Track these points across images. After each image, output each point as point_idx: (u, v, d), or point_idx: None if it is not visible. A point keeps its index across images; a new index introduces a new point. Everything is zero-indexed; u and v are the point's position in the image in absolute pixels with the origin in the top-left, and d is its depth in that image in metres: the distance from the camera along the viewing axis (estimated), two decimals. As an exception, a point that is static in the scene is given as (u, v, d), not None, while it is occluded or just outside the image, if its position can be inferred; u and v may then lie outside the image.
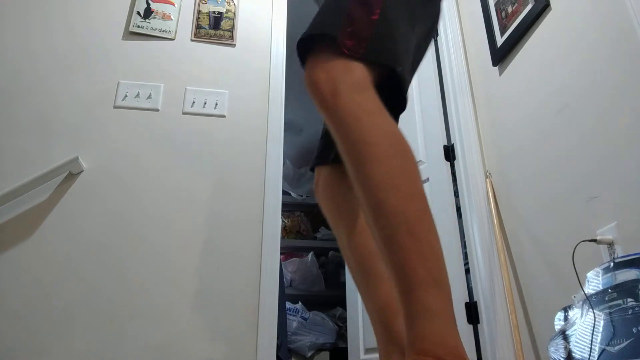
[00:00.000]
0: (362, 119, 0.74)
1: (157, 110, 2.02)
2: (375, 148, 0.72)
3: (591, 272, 1.22)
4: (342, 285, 2.96)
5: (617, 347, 1.04)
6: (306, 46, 0.85)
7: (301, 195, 3.76)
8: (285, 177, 3.48)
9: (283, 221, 3.50)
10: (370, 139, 0.72)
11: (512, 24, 1.96)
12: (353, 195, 1.10)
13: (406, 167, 0.71)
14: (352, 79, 0.78)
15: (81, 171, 1.85)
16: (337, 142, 0.78)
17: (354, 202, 1.10)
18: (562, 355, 1.21)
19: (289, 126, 2.14)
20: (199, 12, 2.27)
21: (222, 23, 2.26)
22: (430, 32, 1.11)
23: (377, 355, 2.37)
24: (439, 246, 0.66)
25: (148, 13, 2.21)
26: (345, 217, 1.11)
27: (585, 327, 1.16)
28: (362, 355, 2.41)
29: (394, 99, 0.86)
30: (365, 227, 1.08)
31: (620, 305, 1.08)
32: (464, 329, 1.93)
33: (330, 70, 0.79)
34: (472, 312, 1.95)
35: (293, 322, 2.99)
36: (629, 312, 1.05)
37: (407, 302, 0.61)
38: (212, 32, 2.23)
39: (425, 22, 1.03)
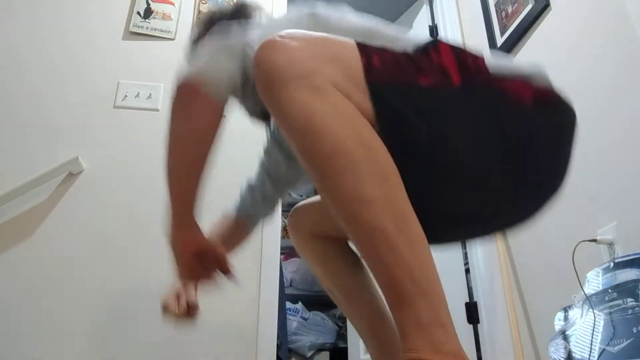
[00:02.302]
0: (314, 119, 0.60)
1: (157, 110, 2.02)
2: (337, 157, 0.59)
3: (591, 272, 1.22)
4: (342, 285, 2.96)
5: (617, 347, 1.04)
6: None
7: (301, 195, 3.76)
8: (285, 177, 3.48)
9: (283, 221, 3.50)
10: (329, 147, 0.59)
11: (512, 24, 1.96)
12: (317, 228, 1.14)
13: (376, 174, 0.60)
14: (325, 75, 0.62)
15: (81, 171, 1.85)
16: (291, 146, 0.64)
17: (319, 237, 1.13)
18: (562, 355, 1.21)
19: None
20: (199, 12, 2.27)
21: (222, 23, 2.26)
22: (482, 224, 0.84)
23: (377, 355, 2.37)
24: (425, 252, 0.60)
25: (148, 13, 2.21)
26: (317, 254, 1.14)
27: (585, 327, 1.16)
28: (362, 355, 2.41)
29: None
30: (334, 256, 1.11)
31: (620, 305, 1.08)
32: (464, 329, 1.93)
33: (301, 52, 0.63)
34: (472, 312, 1.95)
35: (293, 322, 2.99)
36: (629, 312, 1.05)
37: (398, 316, 0.58)
38: (212, 32, 2.23)
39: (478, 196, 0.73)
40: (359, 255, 1.10)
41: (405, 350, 0.57)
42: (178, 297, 1.09)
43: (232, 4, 1.17)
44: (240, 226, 1.27)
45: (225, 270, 1.09)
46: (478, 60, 0.70)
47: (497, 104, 0.68)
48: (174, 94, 0.88)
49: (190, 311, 1.07)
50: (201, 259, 1.04)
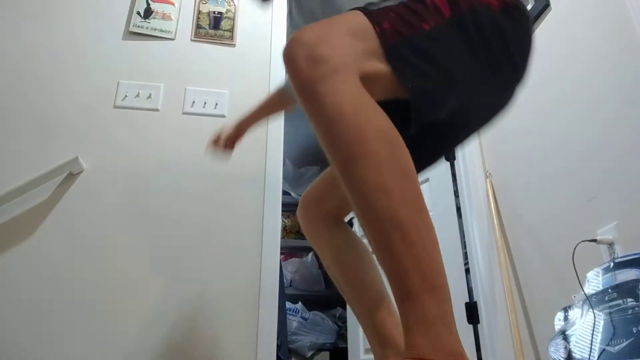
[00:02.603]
0: (346, 111, 0.64)
1: (157, 110, 2.02)
2: (362, 146, 0.63)
3: (591, 272, 1.22)
4: (342, 285, 2.96)
5: (617, 347, 1.04)
6: None
7: (301, 195, 3.76)
8: (285, 177, 3.48)
9: (283, 221, 3.50)
10: (356, 136, 0.64)
11: (512, 24, 1.96)
12: (330, 217, 1.15)
13: (397, 167, 0.64)
14: (342, 60, 0.67)
15: (81, 171, 1.85)
16: (318, 136, 0.68)
17: (332, 224, 1.13)
18: (562, 355, 1.21)
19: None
20: (199, 12, 2.27)
21: (222, 23, 2.26)
22: (478, 116, 0.96)
23: (377, 355, 2.37)
24: (435, 249, 0.62)
25: (148, 13, 2.21)
26: (325, 241, 1.13)
27: (585, 327, 1.16)
28: (362, 355, 2.41)
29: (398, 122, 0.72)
30: (347, 245, 1.11)
31: (620, 305, 1.08)
32: (464, 329, 1.93)
33: (319, 45, 0.68)
34: (472, 312, 1.95)
35: (293, 322, 2.99)
36: (629, 312, 1.05)
37: (404, 309, 0.59)
38: (212, 32, 2.23)
39: (474, 98, 0.87)
40: (369, 249, 1.10)
41: (407, 347, 0.57)
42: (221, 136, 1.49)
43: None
44: (283, 97, 1.41)
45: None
46: None
47: (476, 18, 0.80)
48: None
49: (229, 144, 1.51)
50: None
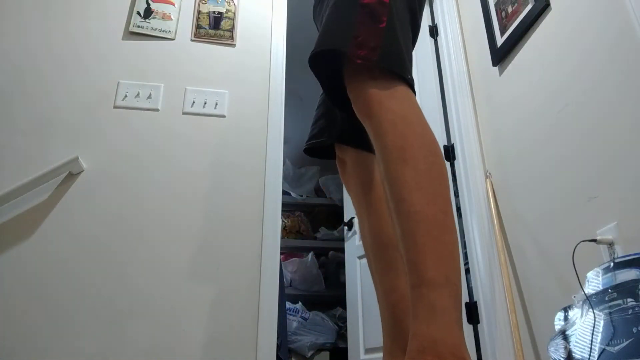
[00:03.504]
0: (397, 124, 0.79)
1: (157, 110, 2.02)
2: (406, 151, 0.76)
3: (591, 272, 1.22)
4: (342, 285, 2.96)
5: (617, 347, 1.04)
6: (317, 61, 0.91)
7: (301, 195, 3.77)
8: (285, 177, 3.48)
9: (283, 221, 3.50)
10: (402, 143, 0.77)
11: (512, 24, 1.96)
12: (380, 184, 1.14)
13: (433, 170, 0.75)
14: (387, 89, 0.83)
15: (81, 171, 1.85)
16: (375, 146, 0.83)
17: (381, 190, 1.14)
18: (562, 355, 1.21)
19: (289, 93, 2.15)
20: (199, 12, 2.27)
21: (222, 23, 2.26)
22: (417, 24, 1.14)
23: (377, 355, 2.37)
24: (455, 248, 0.68)
25: (148, 13, 2.21)
26: (370, 203, 1.15)
27: (585, 327, 1.16)
28: (362, 355, 2.41)
29: None
30: (388, 217, 1.09)
31: (620, 305, 1.08)
32: (464, 329, 1.92)
33: (369, 88, 0.84)
34: (472, 312, 1.95)
35: (293, 322, 2.99)
36: (629, 312, 1.05)
37: (415, 297, 0.63)
38: (212, 32, 2.23)
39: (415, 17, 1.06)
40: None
41: (412, 334, 0.58)
42: None
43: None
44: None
45: None
46: None
47: None
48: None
49: None
50: None
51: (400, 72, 0.85)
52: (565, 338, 1.23)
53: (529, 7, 1.85)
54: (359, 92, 0.85)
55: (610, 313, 1.10)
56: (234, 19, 2.28)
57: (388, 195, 0.78)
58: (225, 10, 2.29)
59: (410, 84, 0.88)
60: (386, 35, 0.87)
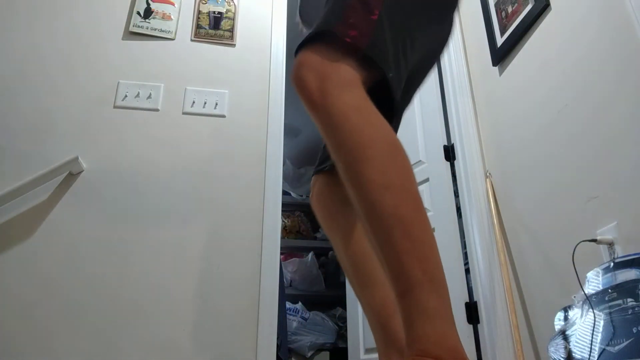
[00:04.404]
0: (351, 118, 0.71)
1: (157, 110, 2.02)
2: (366, 148, 0.69)
3: (591, 272, 1.22)
4: (342, 285, 2.96)
5: (617, 347, 1.04)
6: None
7: (301, 195, 3.76)
8: (285, 177, 3.48)
9: (283, 221, 3.50)
10: (360, 139, 0.69)
11: (512, 24, 1.96)
12: (347, 203, 1.12)
13: (398, 167, 0.69)
14: (342, 76, 0.75)
15: (81, 171, 1.85)
16: (327, 142, 0.76)
17: (349, 210, 1.10)
18: (562, 355, 1.21)
19: (286, 129, 2.15)
20: (199, 12, 2.27)
21: (222, 23, 2.26)
22: (433, 55, 1.06)
23: (377, 355, 2.37)
24: (434, 246, 0.65)
25: (148, 13, 2.21)
26: (339, 225, 1.11)
27: (585, 327, 1.16)
28: (362, 355, 2.41)
29: (381, 109, 0.79)
30: (361, 234, 1.09)
31: (620, 305, 1.08)
32: (464, 329, 1.93)
33: (320, 67, 0.76)
34: (472, 312, 1.95)
35: (293, 322, 2.99)
36: (629, 312, 1.05)
37: (405, 304, 0.60)
38: (212, 32, 2.23)
39: (429, 43, 0.98)
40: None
41: (409, 341, 0.57)
42: None
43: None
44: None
45: None
46: None
47: None
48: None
49: None
50: None
51: (383, 66, 0.79)
52: (565, 338, 1.23)
53: (529, 7, 1.85)
54: (315, 71, 0.75)
55: (610, 313, 1.10)
56: (234, 19, 2.28)
57: (353, 199, 0.70)
58: (225, 10, 2.29)
59: (390, 85, 0.80)
60: (377, 27, 0.81)
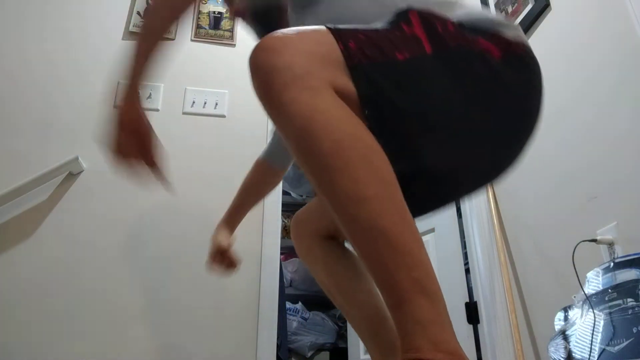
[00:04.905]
0: (316, 121, 0.61)
1: (157, 110, 2.02)
2: (337, 155, 0.61)
3: (591, 272, 1.22)
4: (342, 285, 2.95)
5: (617, 347, 1.04)
6: None
7: (301, 195, 3.76)
8: (285, 177, 3.48)
9: (283, 221, 3.50)
10: (327, 147, 0.60)
11: (512, 24, 1.96)
12: (323, 235, 1.10)
13: (374, 169, 0.61)
14: (325, 74, 0.64)
15: (81, 171, 1.85)
16: (289, 149, 0.66)
17: (324, 242, 1.10)
18: (562, 355, 1.21)
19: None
20: (199, 12, 2.27)
21: (222, 23, 2.26)
22: (475, 174, 0.86)
23: (377, 355, 2.37)
24: (422, 253, 0.61)
25: (148, 13, 2.21)
26: (317, 258, 1.10)
27: (585, 327, 1.16)
28: (362, 355, 2.41)
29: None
30: (339, 260, 1.08)
31: (620, 305, 1.08)
32: (464, 329, 1.93)
33: (303, 53, 0.65)
34: (472, 312, 1.95)
35: (293, 322, 2.99)
36: (629, 312, 1.05)
37: (398, 316, 0.58)
38: (212, 32, 2.23)
39: (469, 156, 0.79)
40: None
41: (405, 350, 0.57)
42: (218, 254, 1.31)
43: None
44: (268, 170, 1.33)
45: (151, 163, 1.04)
46: (447, 24, 0.74)
47: (468, 64, 0.72)
48: None
49: (230, 264, 1.32)
50: (137, 135, 1.02)
51: (364, 101, 0.66)
52: (565, 338, 1.23)
53: (529, 7, 1.85)
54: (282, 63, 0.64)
55: (610, 313, 1.10)
56: (234, 19, 2.28)
57: (330, 211, 0.63)
58: (225, 10, 2.29)
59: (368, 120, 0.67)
60: (389, 64, 0.68)
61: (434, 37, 0.72)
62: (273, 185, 1.38)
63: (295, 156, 0.65)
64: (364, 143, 0.63)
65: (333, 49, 0.68)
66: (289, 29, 0.69)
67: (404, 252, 0.59)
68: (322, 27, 0.71)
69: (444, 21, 0.74)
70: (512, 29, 0.81)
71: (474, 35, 0.75)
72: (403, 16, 0.74)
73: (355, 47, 0.68)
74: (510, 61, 0.76)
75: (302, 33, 0.69)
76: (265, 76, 0.65)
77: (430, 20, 0.74)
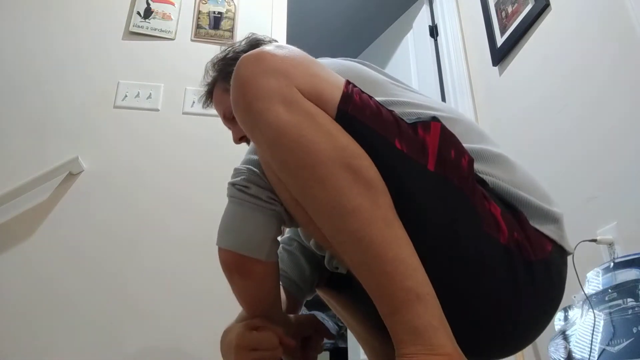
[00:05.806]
0: (291, 130, 0.60)
1: (157, 110, 2.02)
2: (317, 167, 0.59)
3: (591, 272, 1.22)
4: (342, 285, 2.96)
5: (617, 347, 1.04)
6: None
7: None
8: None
9: (283, 221, 3.49)
10: (310, 159, 0.59)
11: (512, 24, 1.96)
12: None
13: (360, 183, 0.59)
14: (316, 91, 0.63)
15: (81, 171, 1.85)
16: (266, 158, 0.65)
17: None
18: (562, 355, 1.21)
19: None
20: (199, 12, 2.27)
21: (222, 23, 2.26)
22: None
23: (377, 355, 2.37)
24: (412, 259, 0.59)
25: (148, 13, 2.21)
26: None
27: (585, 327, 1.16)
28: (362, 355, 2.41)
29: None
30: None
31: (620, 305, 1.08)
32: (464, 329, 1.92)
33: (294, 65, 0.64)
34: (472, 312, 1.94)
35: (293, 322, 2.99)
36: (629, 312, 1.05)
37: (392, 324, 0.57)
38: (212, 32, 2.23)
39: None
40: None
41: (400, 356, 0.56)
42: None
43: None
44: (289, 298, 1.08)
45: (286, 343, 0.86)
46: (463, 157, 0.67)
47: (457, 205, 0.64)
48: (222, 265, 0.82)
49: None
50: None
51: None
52: (565, 338, 1.23)
53: (529, 7, 1.85)
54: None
55: (610, 313, 1.10)
56: (234, 19, 2.28)
57: (317, 222, 0.62)
58: (225, 10, 2.29)
59: None
60: (383, 139, 0.63)
61: (442, 157, 0.65)
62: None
63: (274, 168, 0.64)
64: (345, 153, 0.60)
65: (334, 88, 0.65)
66: (283, 47, 0.69)
67: (394, 262, 0.58)
68: (340, 77, 0.68)
69: (462, 153, 0.67)
70: (547, 212, 0.73)
71: (489, 196, 0.67)
72: (425, 122, 0.67)
73: (359, 101, 0.65)
74: (537, 266, 0.68)
75: (305, 58, 0.68)
76: (240, 86, 0.63)
77: (448, 142, 0.66)
